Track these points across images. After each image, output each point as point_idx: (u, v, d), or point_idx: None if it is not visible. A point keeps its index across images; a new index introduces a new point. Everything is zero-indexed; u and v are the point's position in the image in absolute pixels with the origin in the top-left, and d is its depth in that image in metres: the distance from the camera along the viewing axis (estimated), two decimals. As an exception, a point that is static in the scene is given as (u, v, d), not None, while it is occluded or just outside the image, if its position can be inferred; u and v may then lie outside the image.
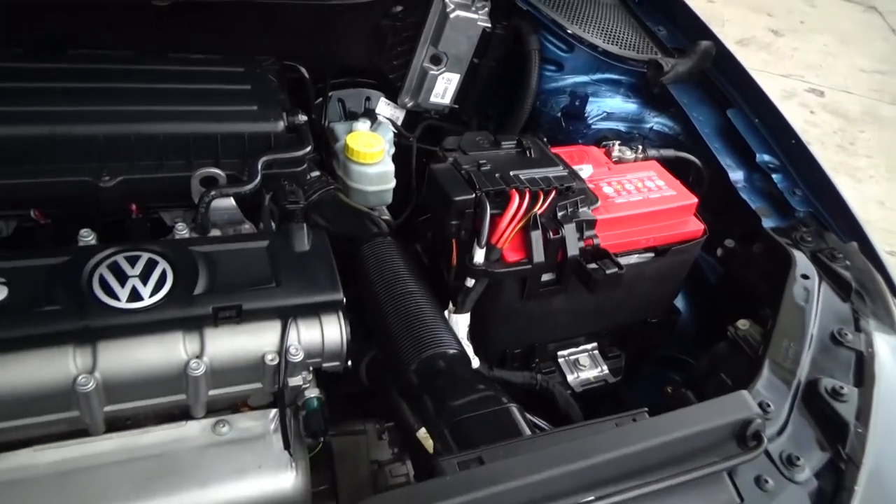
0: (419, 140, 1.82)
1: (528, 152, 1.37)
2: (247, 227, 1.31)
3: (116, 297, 1.05)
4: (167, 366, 1.06)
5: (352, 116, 1.85)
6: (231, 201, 1.29)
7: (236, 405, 1.20)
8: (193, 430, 1.14)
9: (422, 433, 1.17)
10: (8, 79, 1.22)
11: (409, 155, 1.79)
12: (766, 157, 1.55)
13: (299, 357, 1.13)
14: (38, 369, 0.99)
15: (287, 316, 1.13)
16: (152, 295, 1.06)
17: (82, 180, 1.19)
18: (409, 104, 1.81)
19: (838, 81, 5.22)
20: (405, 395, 1.17)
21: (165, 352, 1.06)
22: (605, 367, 1.48)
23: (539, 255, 1.23)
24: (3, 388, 0.97)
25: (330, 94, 1.80)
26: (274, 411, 1.19)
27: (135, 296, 1.06)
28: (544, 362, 1.44)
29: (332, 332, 1.17)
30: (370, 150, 1.53)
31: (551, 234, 1.23)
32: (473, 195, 1.22)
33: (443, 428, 1.00)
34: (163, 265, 1.10)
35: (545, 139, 1.47)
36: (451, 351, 1.14)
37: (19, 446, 1.05)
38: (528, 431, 0.98)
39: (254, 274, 1.14)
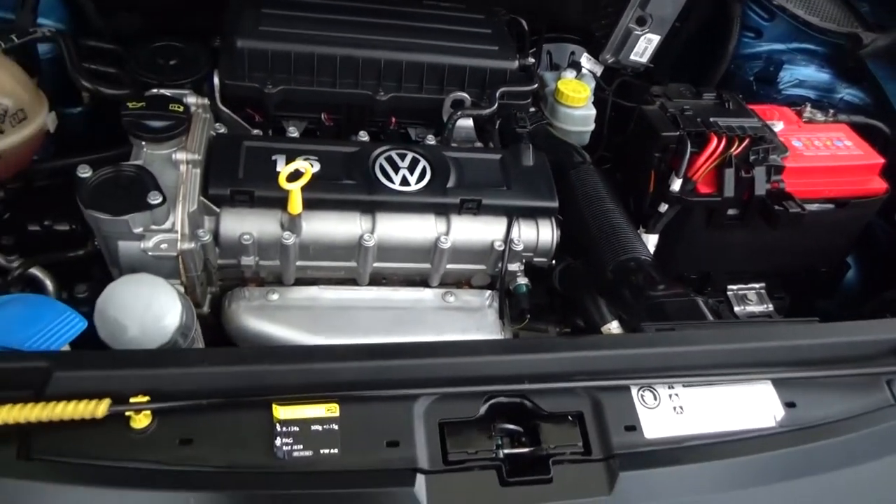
0: (613, 95, 2.03)
1: (726, 104, 1.55)
2: (478, 144, 1.60)
3: (391, 181, 1.37)
4: (423, 239, 1.37)
5: (555, 68, 2.10)
6: (470, 122, 1.59)
7: (460, 283, 1.51)
8: (428, 294, 1.46)
9: (605, 328, 1.42)
10: (313, 10, 1.57)
11: (603, 106, 2.00)
12: (959, 132, 1.62)
13: (519, 248, 1.41)
14: (336, 225, 1.34)
15: (512, 214, 1.41)
16: (416, 183, 1.38)
17: (364, 93, 1.52)
18: (610, 60, 2.01)
19: None
20: (601, 292, 1.41)
21: (423, 227, 1.37)
22: (770, 305, 1.64)
23: (730, 191, 1.43)
24: (313, 235, 1.33)
25: (541, 45, 2.05)
26: (489, 292, 1.49)
27: (404, 182, 1.37)
28: (715, 293, 1.63)
29: (545, 232, 1.44)
30: (578, 95, 1.75)
31: (743, 173, 1.42)
32: (678, 133, 1.43)
33: (640, 309, 1.24)
34: (424, 163, 1.41)
35: (741, 96, 1.64)
36: (644, 257, 1.37)
37: (309, 284, 1.42)
38: (711, 318, 1.20)
39: (490, 178, 1.43)
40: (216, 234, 1.28)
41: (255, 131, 1.47)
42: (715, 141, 1.43)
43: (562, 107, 1.78)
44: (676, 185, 1.44)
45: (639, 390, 1.04)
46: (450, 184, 1.39)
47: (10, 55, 1.33)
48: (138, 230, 1.18)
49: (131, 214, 1.15)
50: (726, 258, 1.58)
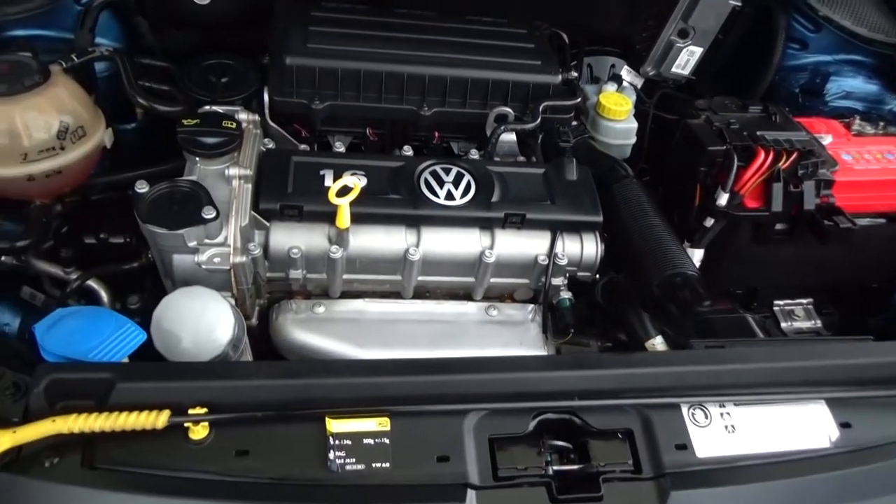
0: (654, 107, 2.02)
1: (773, 117, 1.53)
2: (520, 159, 1.61)
3: (437, 195, 1.38)
4: (467, 252, 1.38)
5: (595, 81, 2.10)
6: (513, 136, 1.59)
7: (503, 297, 1.51)
8: (472, 308, 1.46)
9: (650, 343, 1.41)
10: (358, 27, 1.60)
11: (644, 119, 2.00)
12: None
13: (563, 262, 1.41)
14: (383, 239, 1.35)
15: (556, 228, 1.42)
16: (461, 197, 1.39)
17: (409, 108, 1.54)
18: (651, 73, 2.00)
19: None
20: (645, 307, 1.40)
21: (467, 241, 1.38)
22: (818, 321, 1.61)
23: (777, 205, 1.41)
24: (360, 249, 1.34)
25: (580, 58, 2.05)
26: (531, 306, 1.48)
27: (449, 196, 1.38)
28: (761, 308, 1.61)
29: (589, 247, 1.44)
30: (620, 108, 1.75)
31: (791, 187, 1.40)
32: (724, 147, 1.42)
33: (688, 325, 1.23)
34: (468, 177, 1.42)
35: (787, 108, 1.62)
36: (690, 272, 1.36)
37: (355, 297, 1.44)
38: (761, 335, 1.18)
39: (534, 193, 1.43)
40: (266, 248, 1.31)
41: (302, 146, 1.50)
42: (762, 155, 1.41)
43: (603, 120, 1.77)
44: (723, 199, 1.42)
45: (689, 408, 1.03)
46: (494, 198, 1.39)
47: (70, 74, 1.38)
48: (192, 244, 1.21)
49: (186, 229, 1.18)
50: (773, 273, 1.55)
